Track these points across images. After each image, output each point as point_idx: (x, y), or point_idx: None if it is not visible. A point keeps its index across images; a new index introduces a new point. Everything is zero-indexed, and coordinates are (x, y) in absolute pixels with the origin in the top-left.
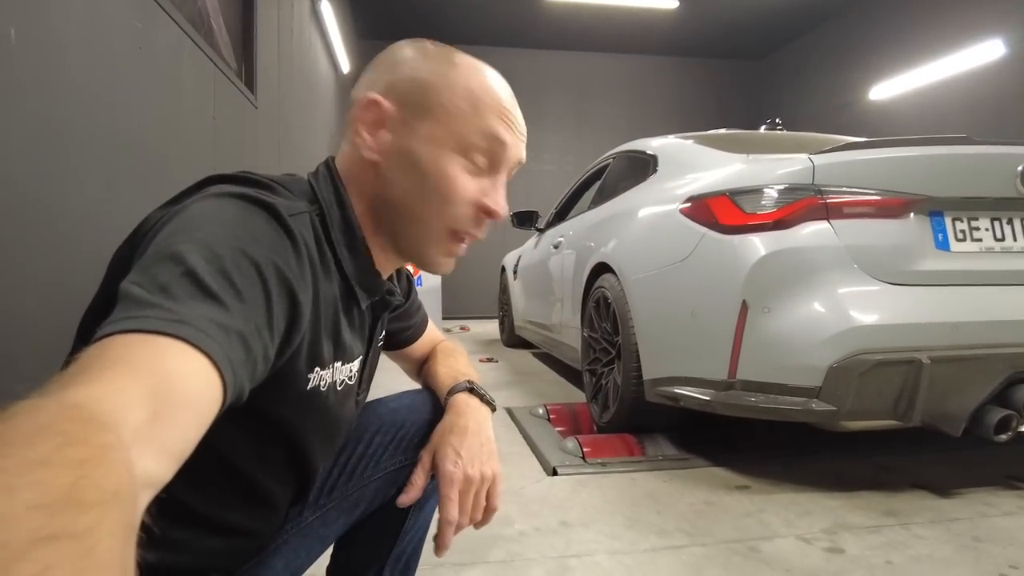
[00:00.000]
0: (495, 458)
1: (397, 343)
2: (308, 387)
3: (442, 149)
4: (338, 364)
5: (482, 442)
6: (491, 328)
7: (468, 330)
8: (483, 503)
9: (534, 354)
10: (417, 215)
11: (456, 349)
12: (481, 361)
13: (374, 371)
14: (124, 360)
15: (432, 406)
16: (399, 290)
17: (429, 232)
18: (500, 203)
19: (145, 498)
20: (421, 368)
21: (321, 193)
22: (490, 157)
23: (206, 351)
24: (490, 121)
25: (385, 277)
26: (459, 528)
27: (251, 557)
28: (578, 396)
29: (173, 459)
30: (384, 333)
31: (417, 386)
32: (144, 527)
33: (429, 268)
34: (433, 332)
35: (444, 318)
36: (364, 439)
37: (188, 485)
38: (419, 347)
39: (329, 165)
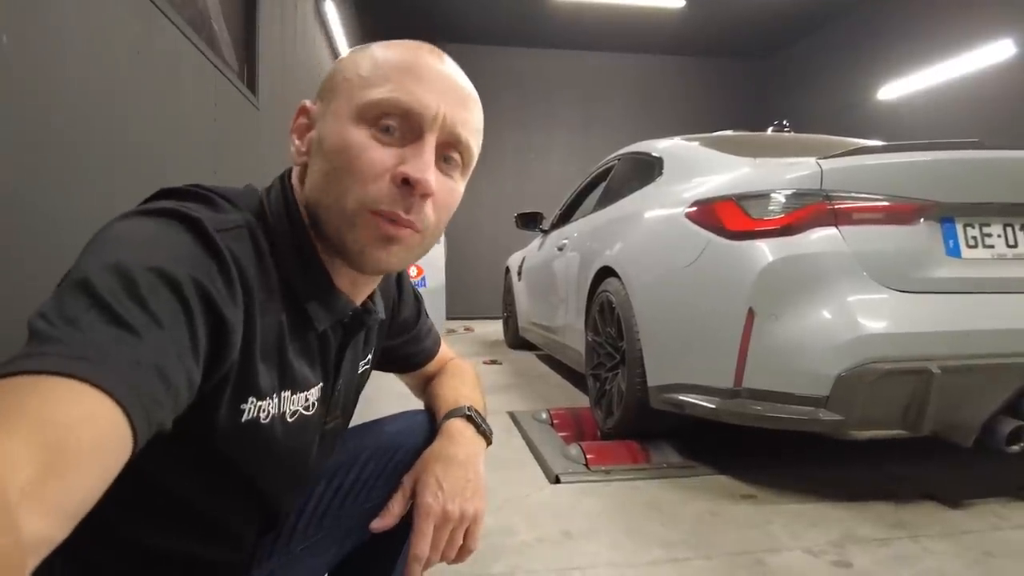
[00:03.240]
0: (480, 496)
1: (406, 367)
2: (243, 419)
3: (343, 122)
4: (286, 394)
5: (468, 476)
6: (495, 329)
7: (472, 331)
8: (459, 542)
9: (538, 356)
10: (332, 201)
11: (464, 370)
12: (484, 363)
13: (354, 398)
14: (12, 409)
15: (428, 430)
16: (378, 310)
17: (346, 216)
18: (420, 168)
19: (32, 563)
20: (426, 386)
21: (270, 207)
22: (403, 120)
23: (108, 390)
24: (391, 83)
25: (359, 296)
26: (428, 565)
27: None
28: (582, 400)
29: (67, 517)
30: (375, 357)
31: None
32: None
33: (368, 263)
34: (445, 352)
35: (448, 318)
36: (357, 465)
37: (139, 519)
38: (428, 368)
39: (284, 178)
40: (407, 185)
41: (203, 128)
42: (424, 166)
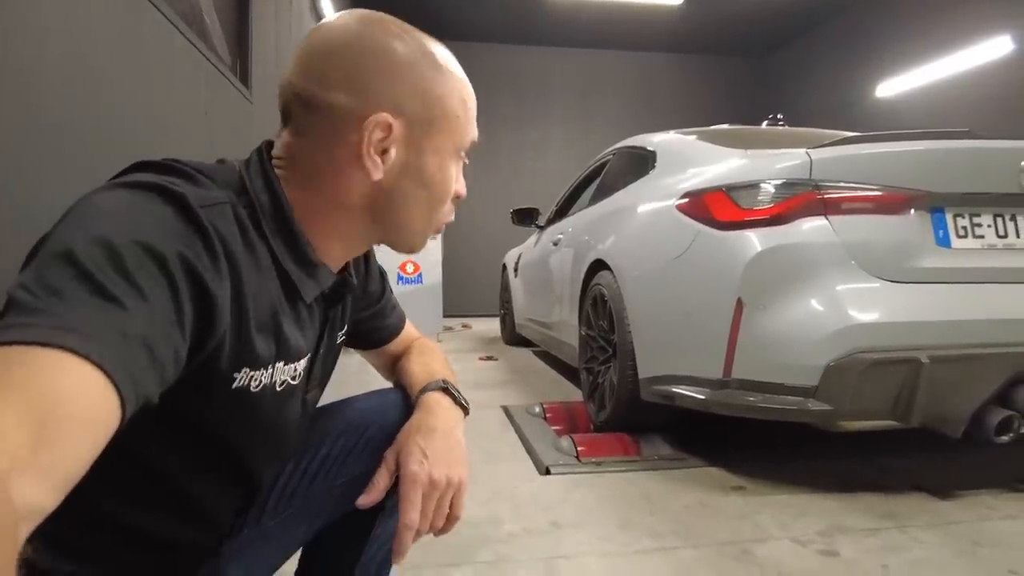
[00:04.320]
0: (464, 463)
1: (370, 342)
2: (233, 387)
3: (446, 157)
4: (280, 364)
5: (451, 445)
6: (492, 326)
7: (470, 327)
8: (446, 510)
9: (535, 352)
10: (417, 218)
11: (432, 348)
12: (481, 359)
13: (331, 368)
14: (2, 379)
15: (402, 407)
16: (355, 280)
17: (419, 231)
18: (464, 186)
19: (26, 529)
20: (394, 366)
21: (251, 182)
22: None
23: (97, 361)
24: (473, 123)
25: (337, 267)
26: (418, 535)
27: (196, 568)
28: (578, 395)
29: (59, 485)
30: (347, 329)
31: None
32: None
33: (408, 251)
34: (410, 331)
35: (445, 316)
36: (327, 442)
37: (117, 495)
38: (394, 346)
39: (261, 152)
40: (456, 198)
41: (194, 121)
42: (463, 183)
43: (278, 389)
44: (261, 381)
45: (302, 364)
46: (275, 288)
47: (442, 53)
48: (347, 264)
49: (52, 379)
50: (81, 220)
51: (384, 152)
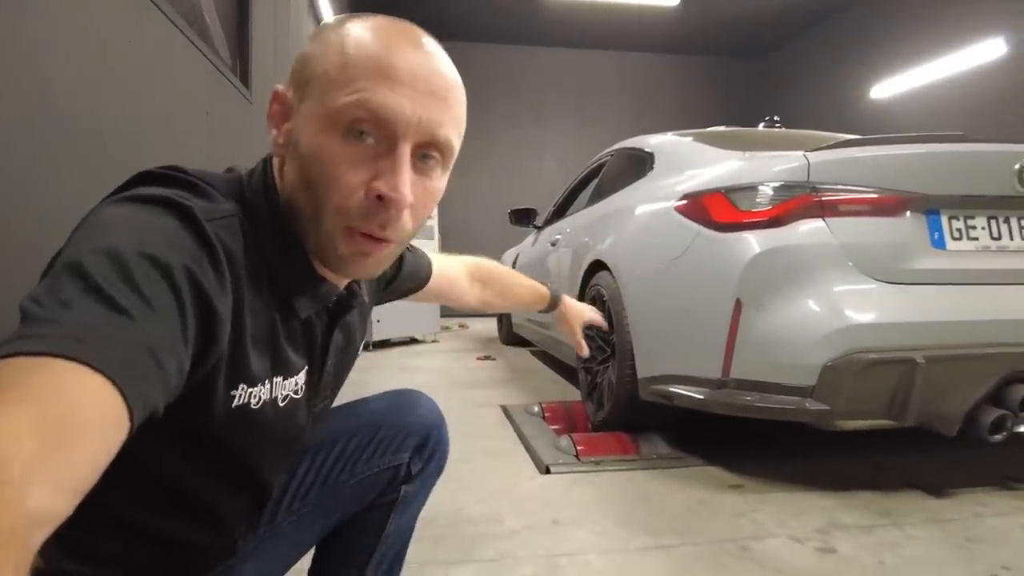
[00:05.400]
0: None
1: (407, 292)
2: (234, 405)
3: (317, 127)
4: (278, 379)
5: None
6: (489, 326)
7: (467, 327)
8: None
9: (532, 352)
10: (310, 212)
11: (505, 270)
12: (479, 359)
13: (343, 379)
14: (14, 388)
15: (411, 406)
16: (362, 293)
17: (323, 230)
18: (395, 185)
19: (39, 537)
20: (481, 292)
21: (251, 194)
22: (377, 129)
23: (105, 371)
24: (360, 82)
25: (343, 282)
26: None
27: (210, 567)
28: (575, 394)
29: (71, 492)
30: (363, 330)
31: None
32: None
33: (346, 272)
34: (448, 260)
35: (442, 316)
36: (340, 442)
37: (129, 499)
38: (444, 280)
39: (266, 163)
40: (382, 200)
41: (196, 121)
42: (399, 181)
43: (280, 404)
44: (260, 398)
45: (301, 378)
46: (272, 303)
47: (367, 19)
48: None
49: (62, 388)
50: (90, 234)
51: (282, 124)
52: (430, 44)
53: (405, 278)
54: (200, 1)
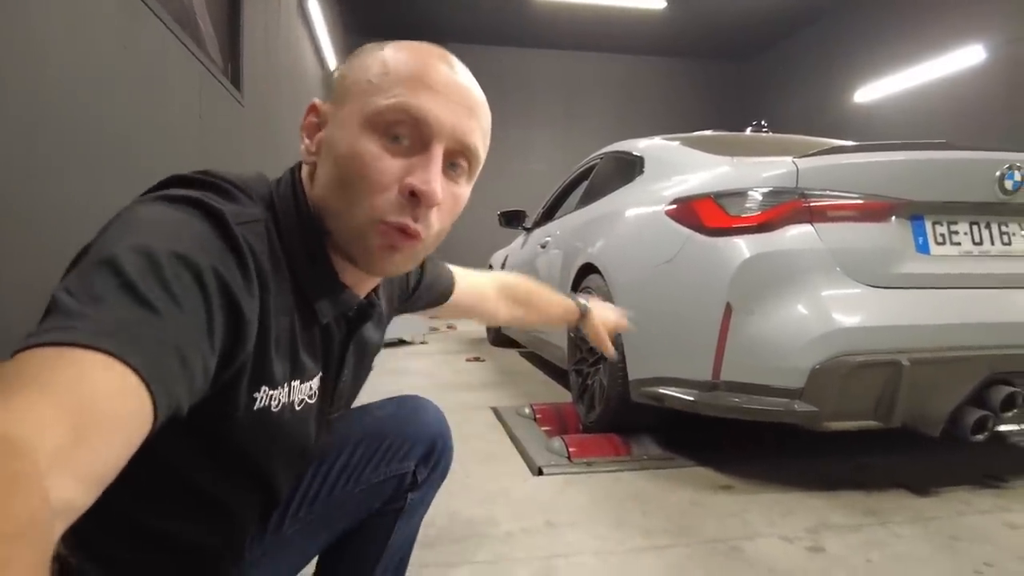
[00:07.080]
0: None
1: (429, 304)
2: (256, 407)
3: (354, 129)
4: (295, 383)
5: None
6: (477, 328)
7: (455, 329)
8: None
9: (521, 353)
10: (343, 208)
11: (534, 285)
12: (468, 360)
13: (357, 389)
14: (43, 378)
15: (416, 413)
16: (380, 302)
17: (356, 225)
18: (427, 180)
19: (60, 527)
20: (512, 308)
21: (279, 199)
22: (413, 131)
23: (134, 366)
24: (399, 88)
25: (364, 290)
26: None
27: (218, 571)
28: (565, 396)
29: (93, 484)
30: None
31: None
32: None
33: (374, 269)
34: (477, 276)
35: (431, 316)
36: (346, 450)
37: (142, 499)
38: (473, 295)
39: (294, 171)
40: (414, 196)
41: (188, 124)
42: (431, 178)
43: (296, 408)
44: (280, 400)
45: (315, 383)
46: (294, 307)
47: (396, 43)
48: (377, 286)
49: (90, 379)
50: (123, 230)
51: (315, 135)
52: (461, 66)
53: (427, 287)
54: (193, 5)
